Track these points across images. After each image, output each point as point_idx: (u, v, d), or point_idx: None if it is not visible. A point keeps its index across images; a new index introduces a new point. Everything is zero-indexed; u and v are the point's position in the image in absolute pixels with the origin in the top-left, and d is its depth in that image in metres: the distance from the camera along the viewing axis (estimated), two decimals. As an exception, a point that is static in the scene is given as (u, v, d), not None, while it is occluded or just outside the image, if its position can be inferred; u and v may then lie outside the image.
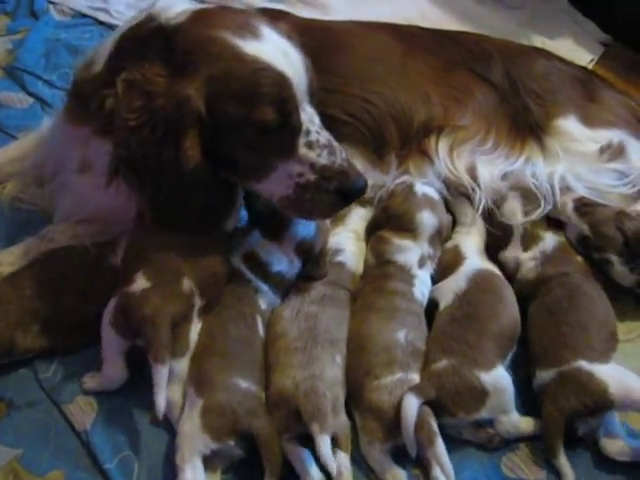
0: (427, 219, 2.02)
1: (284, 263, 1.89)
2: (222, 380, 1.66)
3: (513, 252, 2.02)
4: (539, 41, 2.94)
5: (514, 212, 2.07)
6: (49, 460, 1.68)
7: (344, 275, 1.96)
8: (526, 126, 2.22)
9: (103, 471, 1.65)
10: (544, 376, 1.74)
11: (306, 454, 1.60)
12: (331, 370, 1.71)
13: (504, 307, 1.87)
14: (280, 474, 1.58)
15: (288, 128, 1.67)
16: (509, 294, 1.92)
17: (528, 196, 2.09)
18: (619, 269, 1.98)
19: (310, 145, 1.69)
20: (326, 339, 1.76)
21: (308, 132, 1.70)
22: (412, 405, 1.62)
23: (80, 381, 1.79)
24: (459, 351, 1.74)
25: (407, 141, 2.16)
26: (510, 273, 2.00)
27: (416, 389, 1.67)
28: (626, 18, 3.04)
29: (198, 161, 1.65)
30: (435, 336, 1.83)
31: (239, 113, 1.62)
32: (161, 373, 1.60)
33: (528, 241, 2.02)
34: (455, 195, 2.16)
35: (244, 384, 1.66)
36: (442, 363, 1.73)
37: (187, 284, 1.73)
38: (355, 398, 1.73)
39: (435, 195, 2.10)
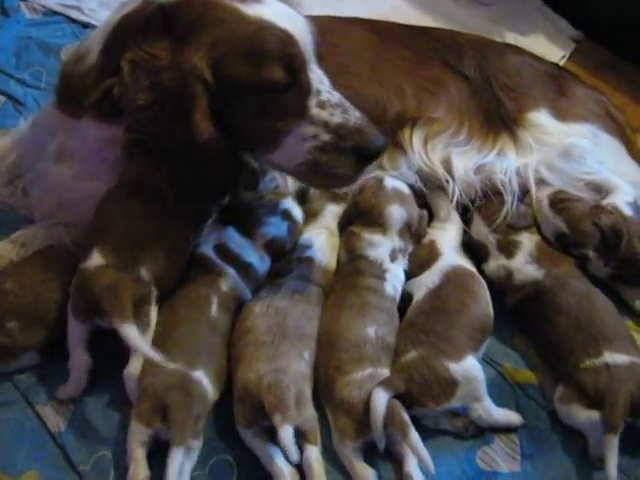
0: (396, 212, 2.02)
1: (255, 258, 1.91)
2: (153, 366, 1.65)
3: (496, 261, 2.02)
4: (511, 38, 2.95)
5: (479, 230, 2.08)
6: (24, 460, 1.67)
7: (314, 270, 1.96)
8: (498, 119, 2.23)
9: (78, 472, 1.65)
10: (617, 359, 1.72)
11: (273, 449, 1.60)
12: (297, 365, 1.71)
13: (473, 300, 1.88)
14: (183, 441, 1.56)
15: (298, 88, 1.65)
16: (480, 288, 1.93)
17: (488, 207, 2.11)
18: (595, 262, 2.00)
19: (322, 105, 1.66)
20: (295, 334, 1.77)
21: (319, 92, 1.67)
22: (380, 399, 1.63)
23: (54, 385, 1.77)
24: (427, 342, 1.75)
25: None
26: (502, 282, 1.99)
27: (384, 383, 1.68)
28: (598, 15, 3.06)
29: (211, 134, 1.62)
30: (403, 328, 1.84)
31: (247, 75, 1.60)
32: (130, 330, 1.60)
33: (508, 248, 2.02)
34: (432, 189, 2.17)
35: (172, 366, 1.64)
36: (411, 354, 1.74)
37: (144, 273, 1.74)
38: (326, 395, 1.73)
39: (405, 189, 2.10)
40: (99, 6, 3.04)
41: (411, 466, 1.61)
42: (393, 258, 1.99)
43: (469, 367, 1.73)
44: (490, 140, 2.20)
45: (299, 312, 1.83)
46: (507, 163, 2.16)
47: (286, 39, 1.62)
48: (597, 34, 3.06)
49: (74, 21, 2.99)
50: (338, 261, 2.02)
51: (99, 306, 1.64)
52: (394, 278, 1.96)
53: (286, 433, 1.55)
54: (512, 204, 2.10)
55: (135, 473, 1.55)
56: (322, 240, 2.04)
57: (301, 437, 1.62)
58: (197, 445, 1.61)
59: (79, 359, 1.72)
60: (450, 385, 1.70)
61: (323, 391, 1.75)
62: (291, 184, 2.04)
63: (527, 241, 2.04)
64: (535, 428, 1.77)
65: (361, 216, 2.04)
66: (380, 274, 1.94)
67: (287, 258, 1.97)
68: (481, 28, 2.88)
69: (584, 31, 3.10)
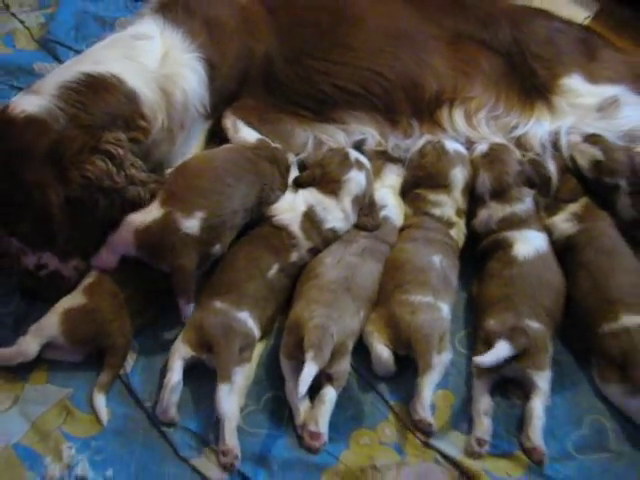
0: (460, 173, 1.97)
1: (339, 219, 1.85)
2: (203, 302, 1.69)
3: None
4: (537, 0, 2.81)
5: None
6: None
7: (387, 228, 1.90)
8: (533, 89, 2.14)
9: (145, 408, 1.64)
10: (636, 320, 1.64)
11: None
12: (350, 319, 1.65)
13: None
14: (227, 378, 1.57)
15: None
16: None
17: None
18: (624, 200, 1.92)
19: None
20: (358, 292, 1.71)
21: None
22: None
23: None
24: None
25: (419, 111, 2.11)
26: None
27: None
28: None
29: None
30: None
31: None
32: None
33: (552, 209, 1.96)
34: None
35: (219, 305, 1.66)
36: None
37: (217, 249, 1.75)
38: (379, 309, 1.71)
39: (464, 150, 2.04)
40: (149, -19, 2.94)
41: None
42: (459, 216, 1.93)
43: None
44: (527, 110, 2.12)
45: (367, 270, 1.77)
46: (543, 129, 2.08)
47: None
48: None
49: (126, -5, 2.93)
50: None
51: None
52: (459, 231, 1.91)
53: (309, 370, 1.50)
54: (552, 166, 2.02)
55: (169, 379, 1.58)
56: (392, 199, 1.98)
57: (327, 379, 1.58)
58: (243, 371, 1.62)
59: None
60: None
61: (377, 307, 1.72)
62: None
63: (572, 205, 1.95)
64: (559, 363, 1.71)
65: (426, 180, 1.98)
66: (447, 225, 1.89)
67: (374, 215, 1.90)
68: (509, -10, 2.75)
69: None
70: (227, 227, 1.74)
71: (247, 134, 1.99)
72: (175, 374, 1.58)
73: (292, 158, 2.02)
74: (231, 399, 1.56)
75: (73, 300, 1.68)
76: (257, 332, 1.69)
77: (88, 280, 1.72)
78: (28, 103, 1.69)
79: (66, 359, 1.68)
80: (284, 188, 1.92)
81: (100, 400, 1.62)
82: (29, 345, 1.62)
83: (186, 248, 1.66)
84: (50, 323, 1.64)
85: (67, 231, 1.67)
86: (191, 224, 1.68)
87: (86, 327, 1.65)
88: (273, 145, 1.98)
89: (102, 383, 1.63)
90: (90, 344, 1.66)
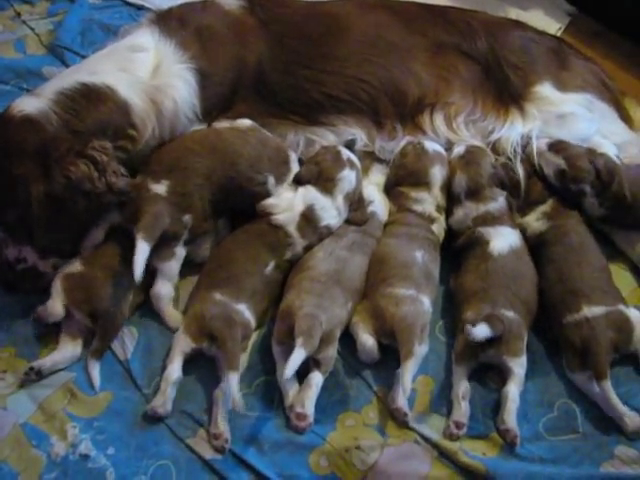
0: (439, 172, 1.99)
1: (334, 217, 1.88)
2: (203, 294, 1.71)
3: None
4: (514, 12, 2.83)
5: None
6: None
7: (374, 223, 1.93)
8: (508, 95, 2.16)
9: (144, 394, 1.67)
10: (595, 311, 1.69)
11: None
12: (339, 310, 1.68)
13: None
14: (237, 367, 1.60)
15: None
16: None
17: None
18: (591, 201, 1.95)
19: None
20: (347, 285, 1.74)
21: None
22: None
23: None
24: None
25: (402, 115, 2.12)
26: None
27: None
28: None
29: None
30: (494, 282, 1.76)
31: None
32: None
33: (524, 210, 1.98)
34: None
35: (219, 297, 1.68)
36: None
37: (187, 219, 1.79)
38: (364, 301, 1.74)
39: (442, 150, 2.06)
40: (152, -9, 2.97)
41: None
42: (439, 212, 1.96)
43: None
44: (502, 115, 2.14)
45: (356, 264, 1.79)
46: (516, 133, 2.10)
47: None
48: (589, 8, 2.94)
49: (130, 4, 2.95)
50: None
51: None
52: (439, 226, 1.94)
53: (297, 354, 1.53)
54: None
55: (169, 374, 1.61)
56: (378, 195, 2.01)
57: (314, 364, 1.61)
58: (244, 358, 1.67)
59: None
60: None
61: (362, 299, 1.74)
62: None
63: (541, 206, 1.97)
64: (532, 353, 1.74)
65: (407, 178, 2.00)
66: (428, 220, 1.92)
67: (362, 210, 1.93)
68: (487, 4, 2.77)
69: (577, 6, 2.98)
70: (195, 197, 1.80)
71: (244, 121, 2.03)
72: (175, 371, 1.61)
73: (293, 155, 2.02)
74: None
75: (72, 267, 1.75)
76: (254, 323, 1.72)
77: (85, 253, 1.79)
78: (27, 104, 1.75)
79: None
80: (277, 174, 1.93)
81: (94, 366, 1.68)
82: (54, 304, 1.69)
83: (153, 202, 1.76)
84: (56, 285, 1.72)
85: (45, 226, 1.72)
86: (158, 187, 1.78)
87: (81, 291, 1.71)
88: (268, 134, 2.00)
89: (94, 350, 1.70)
90: (83, 308, 1.70)
